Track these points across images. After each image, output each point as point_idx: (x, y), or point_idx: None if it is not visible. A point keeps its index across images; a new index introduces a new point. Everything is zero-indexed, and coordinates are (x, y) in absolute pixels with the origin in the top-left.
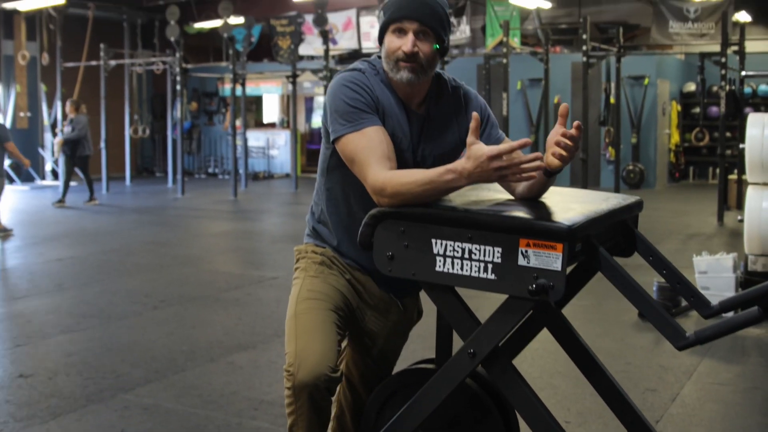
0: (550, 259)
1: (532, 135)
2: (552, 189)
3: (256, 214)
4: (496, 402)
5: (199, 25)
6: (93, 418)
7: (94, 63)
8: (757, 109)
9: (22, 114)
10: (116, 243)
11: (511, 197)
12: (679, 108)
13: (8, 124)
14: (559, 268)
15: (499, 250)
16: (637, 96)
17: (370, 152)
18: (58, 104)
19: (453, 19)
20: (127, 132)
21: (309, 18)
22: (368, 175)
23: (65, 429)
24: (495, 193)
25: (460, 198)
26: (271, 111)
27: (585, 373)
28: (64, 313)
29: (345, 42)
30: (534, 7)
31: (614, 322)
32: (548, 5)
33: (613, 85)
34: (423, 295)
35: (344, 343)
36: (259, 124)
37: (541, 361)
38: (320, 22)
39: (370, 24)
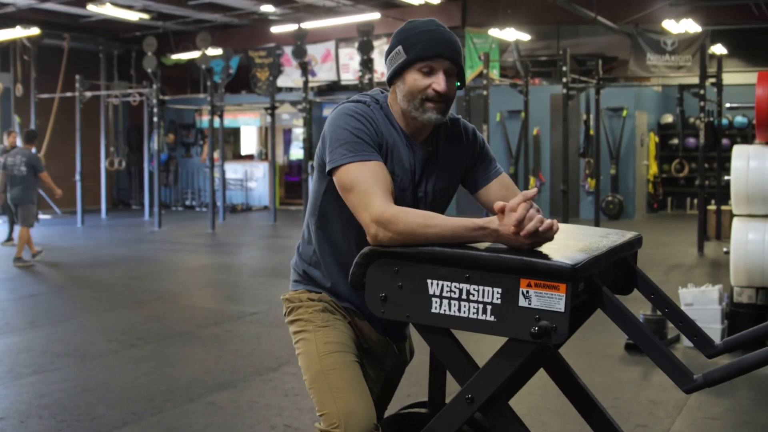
0: (552, 300)
1: (512, 167)
2: None
3: (235, 248)
4: None
5: (176, 57)
6: None
7: (69, 94)
8: (733, 141)
9: None
10: (92, 278)
11: None
12: (657, 139)
13: None
14: (563, 310)
15: (499, 290)
16: (615, 127)
17: (376, 182)
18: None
19: None
20: (103, 164)
21: (288, 50)
22: (373, 204)
23: None
24: None
25: None
26: (249, 143)
27: (582, 413)
28: (38, 352)
29: (324, 74)
30: (513, 40)
31: (601, 356)
32: (527, 38)
33: (592, 116)
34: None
35: None
36: (237, 156)
37: (529, 398)
38: (299, 54)
39: (349, 56)
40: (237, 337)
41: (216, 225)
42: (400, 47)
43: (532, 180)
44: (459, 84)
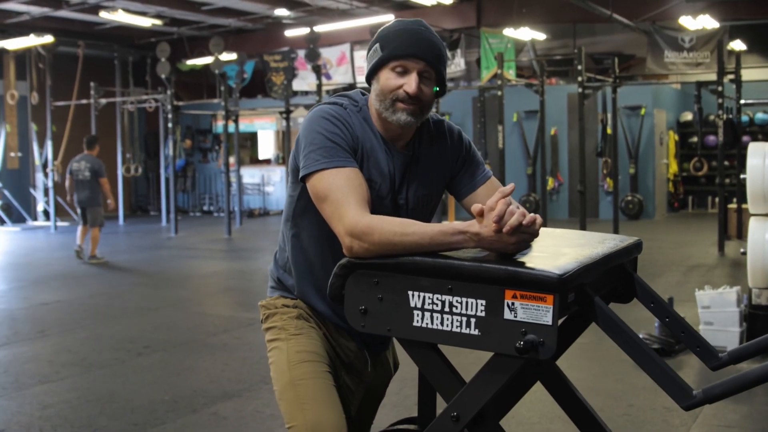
0: (539, 312)
1: (529, 167)
2: (544, 231)
3: (250, 253)
4: None
5: (191, 62)
6: None
7: (84, 101)
8: (754, 138)
9: (12, 154)
10: (104, 285)
11: None
12: (677, 137)
13: None
14: (550, 322)
15: (483, 302)
16: (633, 126)
17: (350, 191)
18: (49, 144)
19: (448, 53)
20: (120, 170)
21: (302, 53)
22: (346, 214)
23: None
24: None
25: None
26: (266, 147)
27: (582, 429)
28: (44, 362)
29: (339, 77)
30: (528, 39)
31: (614, 361)
32: (543, 37)
33: (609, 115)
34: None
35: None
36: (255, 161)
37: (539, 405)
38: (312, 57)
39: (364, 58)
40: (246, 345)
41: (232, 230)
42: (377, 45)
43: (550, 181)
44: (438, 89)
